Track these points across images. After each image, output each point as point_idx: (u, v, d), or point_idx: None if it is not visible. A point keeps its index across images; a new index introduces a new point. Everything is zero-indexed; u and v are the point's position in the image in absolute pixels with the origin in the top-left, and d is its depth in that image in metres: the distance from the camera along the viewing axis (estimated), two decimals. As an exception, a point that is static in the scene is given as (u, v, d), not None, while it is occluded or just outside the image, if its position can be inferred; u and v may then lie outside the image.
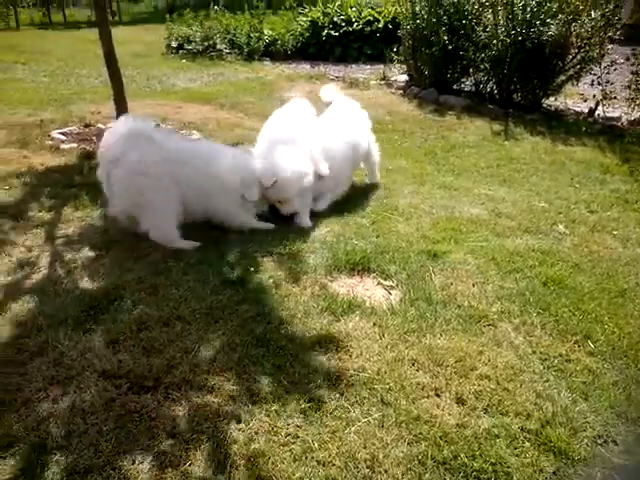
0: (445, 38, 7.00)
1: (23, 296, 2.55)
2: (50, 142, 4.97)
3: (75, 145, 4.95)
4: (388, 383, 2.20)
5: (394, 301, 2.82)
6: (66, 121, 5.70)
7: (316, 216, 3.72)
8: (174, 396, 2.03)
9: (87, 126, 5.62)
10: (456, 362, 2.35)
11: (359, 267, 3.10)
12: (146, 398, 2.01)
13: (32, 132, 5.18)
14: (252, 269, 2.95)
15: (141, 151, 2.98)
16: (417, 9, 7.25)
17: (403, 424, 2.00)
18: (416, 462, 1.84)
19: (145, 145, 3.02)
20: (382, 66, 9.58)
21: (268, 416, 1.98)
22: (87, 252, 3.02)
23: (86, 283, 2.70)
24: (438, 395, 2.17)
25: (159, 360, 2.19)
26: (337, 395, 2.11)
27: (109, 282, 2.72)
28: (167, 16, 12.03)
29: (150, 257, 3.01)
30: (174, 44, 10.67)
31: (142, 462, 1.75)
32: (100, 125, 5.66)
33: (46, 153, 4.65)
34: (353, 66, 10.12)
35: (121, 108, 5.15)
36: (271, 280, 2.86)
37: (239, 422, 1.94)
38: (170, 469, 1.73)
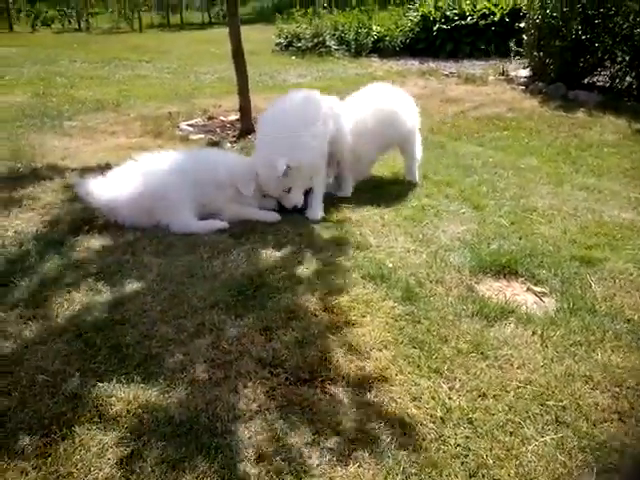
0: (579, 27, 6.45)
1: (176, 278, 2.61)
2: (180, 133, 5.20)
3: (202, 136, 5.14)
4: (561, 400, 1.97)
5: (550, 309, 2.56)
6: (191, 114, 5.96)
7: (448, 212, 3.53)
8: (332, 391, 1.96)
9: (210, 118, 5.84)
10: (638, 384, 2.06)
11: (505, 270, 2.87)
12: (304, 390, 1.95)
13: (163, 123, 5.45)
14: (391, 265, 2.83)
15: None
16: (547, -2, 6.76)
17: (587, 449, 1.77)
18: (613, 496, 1.61)
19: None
20: (496, 62, 9.09)
21: (433, 422, 1.84)
22: (226, 238, 3.06)
23: (230, 269, 2.72)
24: (622, 420, 1.90)
25: (312, 352, 2.13)
26: (505, 407, 1.92)
27: (252, 269, 2.72)
28: (277, 14, 12.30)
29: (288, 245, 2.99)
30: (283, 42, 10.88)
31: (310, 457, 1.68)
32: (222, 117, 5.85)
33: (177, 143, 4.85)
34: (465, 62, 9.69)
35: (245, 100, 5.29)
36: (413, 278, 2.72)
37: (404, 426, 1.81)
38: (339, 468, 1.65)
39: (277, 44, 11.03)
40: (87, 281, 2.55)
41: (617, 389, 2.04)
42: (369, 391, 1.96)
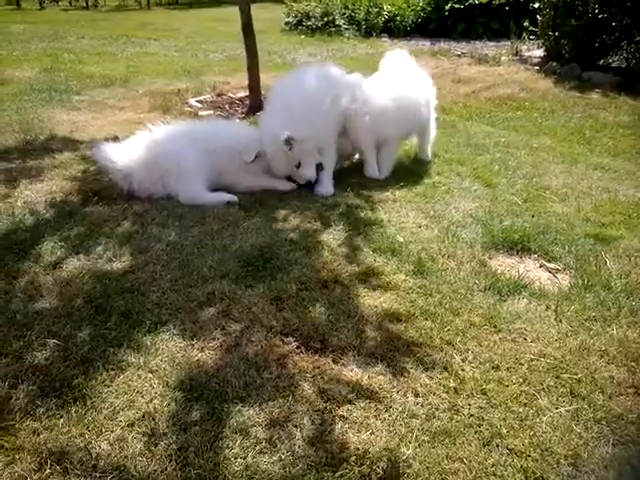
0: (595, 6, 6.29)
1: (185, 248, 2.59)
2: (188, 108, 5.15)
3: (211, 112, 5.09)
4: (576, 373, 1.94)
5: (564, 285, 2.52)
6: (200, 90, 5.89)
7: (460, 189, 3.48)
8: (343, 360, 1.94)
9: (219, 95, 5.77)
10: (655, 359, 2.03)
11: (518, 247, 2.83)
12: (315, 359, 1.93)
13: (172, 99, 5.40)
14: (402, 240, 2.79)
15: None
16: (564, -25, 6.59)
17: (603, 422, 1.74)
18: (629, 468, 1.59)
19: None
20: (509, 42, 8.91)
21: (447, 392, 1.82)
22: (236, 211, 3.03)
23: (240, 240, 2.69)
24: (639, 394, 1.87)
25: (324, 322, 2.11)
26: (519, 379, 1.90)
27: (262, 241, 2.69)
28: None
29: (298, 219, 2.96)
30: (292, 20, 10.72)
31: (321, 424, 1.66)
32: (231, 94, 5.78)
33: (186, 118, 4.79)
34: (477, 42, 9.52)
35: (254, 76, 5.21)
36: (424, 252, 2.68)
37: (416, 396, 1.80)
38: (351, 435, 1.63)
39: (286, 23, 10.88)
40: (97, 250, 2.53)
41: (633, 364, 2.01)
42: (380, 361, 1.94)
